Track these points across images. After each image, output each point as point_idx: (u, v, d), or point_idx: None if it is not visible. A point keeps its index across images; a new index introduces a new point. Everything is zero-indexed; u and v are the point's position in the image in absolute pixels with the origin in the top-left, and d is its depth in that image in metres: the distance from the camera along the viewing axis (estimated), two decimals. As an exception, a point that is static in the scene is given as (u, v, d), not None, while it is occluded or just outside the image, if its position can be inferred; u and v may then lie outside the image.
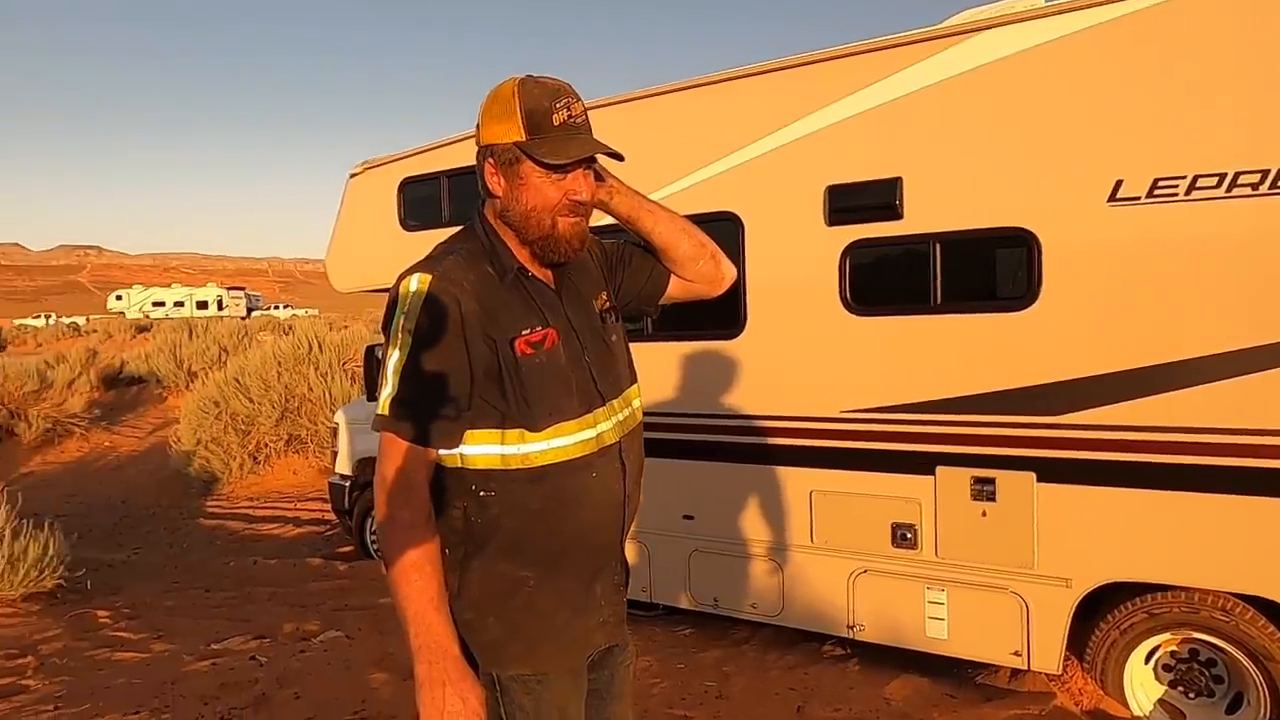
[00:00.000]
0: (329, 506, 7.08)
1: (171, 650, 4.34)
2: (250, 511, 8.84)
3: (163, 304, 55.03)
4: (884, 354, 3.84)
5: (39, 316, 58.01)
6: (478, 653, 1.55)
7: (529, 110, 1.56)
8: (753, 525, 4.25)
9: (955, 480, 3.65)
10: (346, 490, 6.33)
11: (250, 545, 7.55)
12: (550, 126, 1.57)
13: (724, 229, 4.22)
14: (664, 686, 3.80)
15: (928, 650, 3.78)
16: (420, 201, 5.44)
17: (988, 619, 3.61)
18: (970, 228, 3.60)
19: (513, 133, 1.56)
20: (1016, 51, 3.47)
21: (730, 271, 1.98)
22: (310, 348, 10.66)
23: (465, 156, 5.22)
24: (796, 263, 4.05)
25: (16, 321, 52.29)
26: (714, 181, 4.28)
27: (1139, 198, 3.24)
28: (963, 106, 3.60)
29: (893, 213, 3.77)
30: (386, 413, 1.49)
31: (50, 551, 5.26)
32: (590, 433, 1.62)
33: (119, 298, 60.59)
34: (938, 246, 3.68)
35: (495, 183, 1.62)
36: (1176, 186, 3.17)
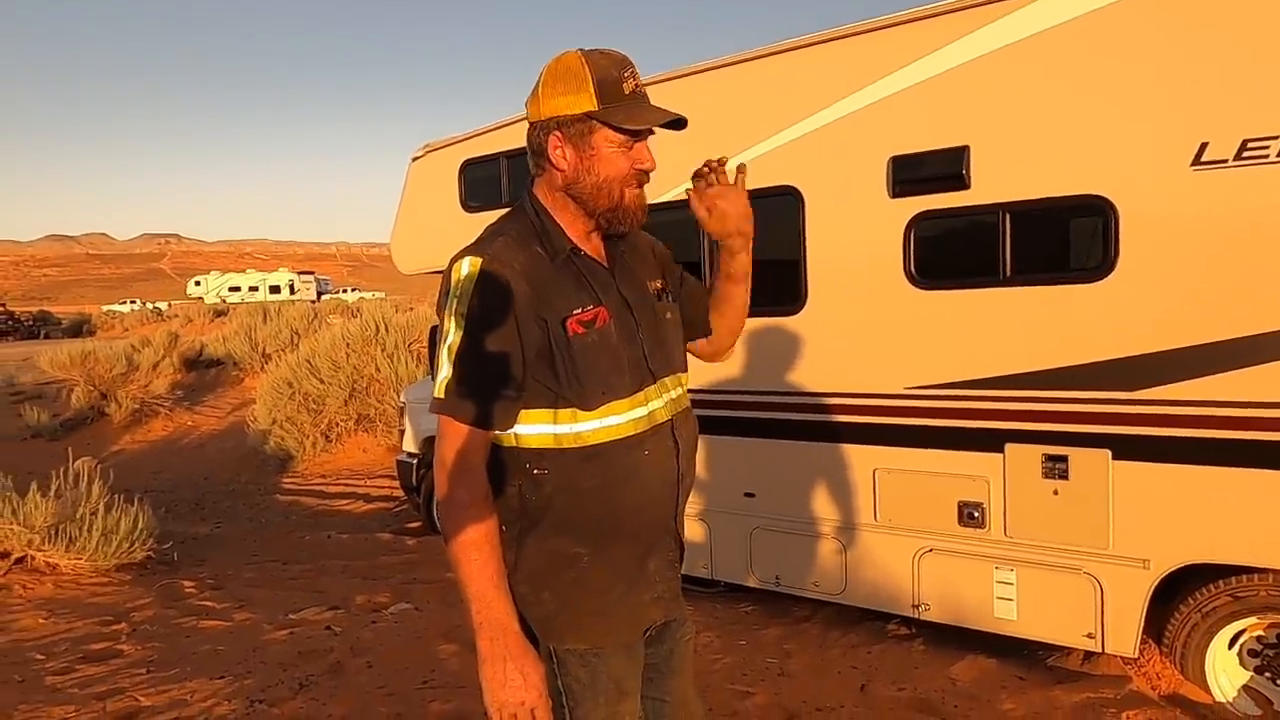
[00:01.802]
0: (398, 484, 7.28)
1: (252, 619, 4.54)
2: (323, 488, 9.15)
3: (238, 289, 57.06)
4: (950, 328, 3.73)
5: (125, 302, 60.85)
6: (535, 626, 1.57)
7: (600, 79, 1.56)
8: (815, 503, 4.21)
9: (1025, 458, 3.55)
10: (414, 468, 6.49)
11: (324, 520, 7.83)
12: (622, 95, 1.58)
13: (784, 203, 4.16)
14: (726, 662, 3.81)
15: (995, 631, 3.69)
16: (481, 182, 5.50)
17: (1059, 600, 3.52)
18: (1042, 196, 3.46)
19: (584, 103, 1.57)
20: (1090, 10, 3.30)
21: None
22: (377, 329, 10.93)
23: (523, 138, 5.26)
24: (859, 236, 3.97)
25: (104, 308, 54.97)
26: (773, 155, 4.21)
27: (1226, 160, 3.06)
28: (1033, 70, 3.46)
29: (960, 182, 3.65)
30: (443, 396, 1.51)
31: (140, 525, 5.54)
32: (642, 410, 1.63)
33: (197, 283, 63.07)
34: (1007, 216, 3.55)
35: (560, 156, 1.62)
36: (1268, 148, 2.99)
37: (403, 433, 6.78)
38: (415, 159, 5.89)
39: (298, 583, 5.37)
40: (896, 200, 3.83)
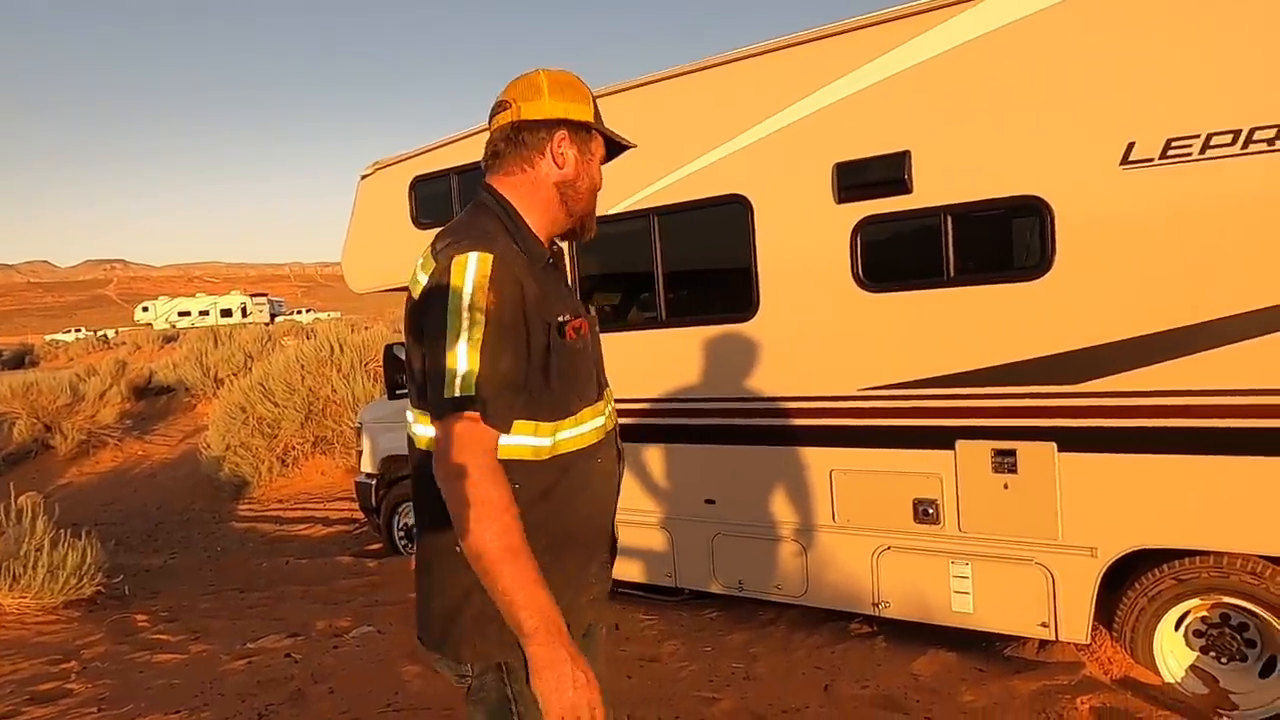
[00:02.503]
0: (357, 505, 7.17)
1: (209, 650, 4.43)
2: (281, 513, 8.97)
3: (188, 313, 55.81)
4: (899, 330, 3.81)
5: (69, 331, 59.08)
6: (485, 644, 1.54)
7: (591, 99, 1.71)
8: (775, 507, 4.25)
9: (975, 454, 3.63)
10: (373, 488, 6.40)
11: (282, 546, 7.67)
12: (600, 117, 1.73)
13: (733, 212, 4.22)
14: (692, 670, 3.82)
15: (954, 625, 3.77)
16: (432, 199, 5.48)
17: (1013, 591, 3.60)
18: (981, 198, 3.56)
19: (585, 113, 1.68)
20: (1021, 16, 3.42)
21: None
22: (332, 350, 10.77)
23: (474, 153, 5.24)
24: (807, 242, 4.03)
25: (48, 337, 53.29)
26: (720, 165, 4.27)
27: (1152, 159, 3.19)
28: (968, 75, 3.56)
29: (902, 187, 3.74)
30: (471, 392, 1.41)
31: (89, 559, 5.38)
32: (601, 419, 1.68)
33: (145, 309, 61.53)
34: (949, 219, 3.64)
35: (563, 154, 1.66)
36: (1190, 146, 3.12)
37: (360, 453, 6.69)
38: (364, 176, 5.85)
39: (256, 611, 5.26)
40: (842, 206, 3.91)
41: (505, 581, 1.39)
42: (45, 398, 13.68)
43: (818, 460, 4.09)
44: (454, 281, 1.46)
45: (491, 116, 1.71)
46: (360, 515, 7.40)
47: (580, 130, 1.67)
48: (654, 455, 4.65)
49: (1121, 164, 3.24)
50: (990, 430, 3.60)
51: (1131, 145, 3.22)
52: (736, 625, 4.37)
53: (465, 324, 1.43)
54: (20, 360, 36.12)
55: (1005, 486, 3.57)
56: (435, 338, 1.46)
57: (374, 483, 6.43)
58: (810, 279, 4.04)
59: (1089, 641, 3.51)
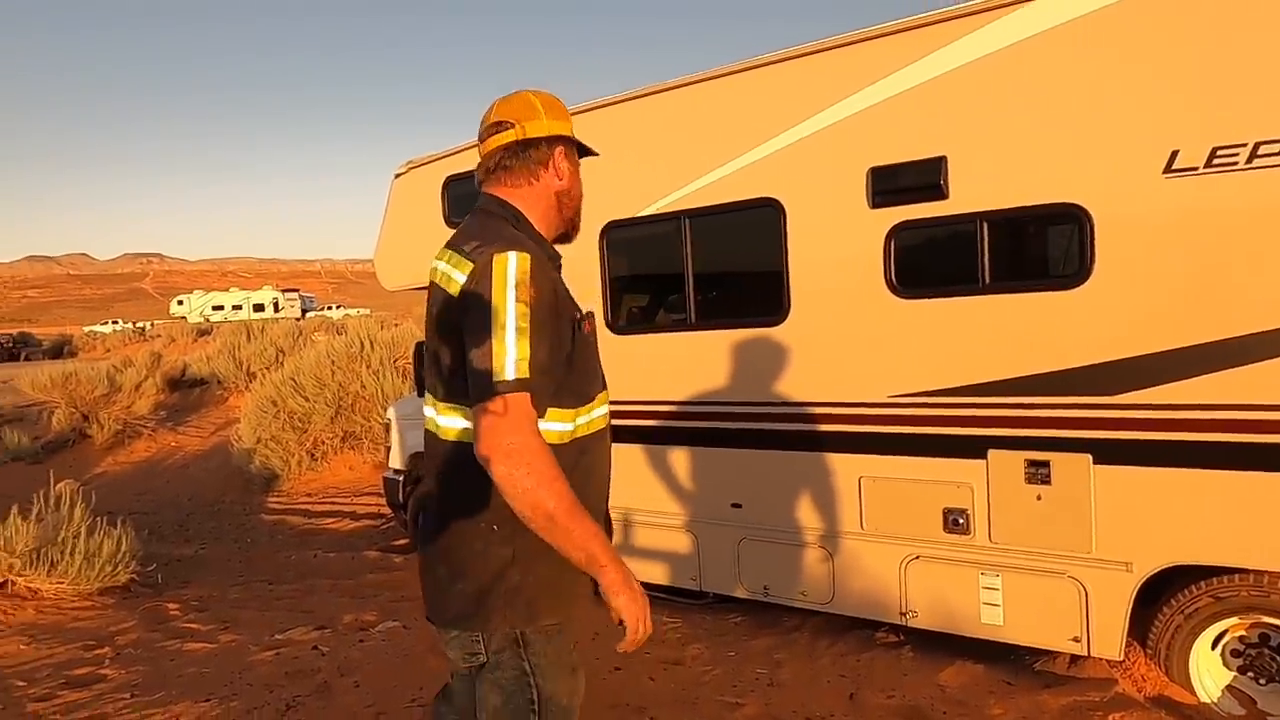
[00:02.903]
0: (384, 501, 7.24)
1: (238, 641, 4.49)
2: (309, 507, 9.08)
3: (221, 308, 56.70)
4: (931, 337, 3.77)
5: (107, 323, 60.31)
6: (514, 615, 1.71)
7: (570, 116, 1.91)
8: (802, 513, 4.22)
9: (1008, 464, 3.58)
10: (400, 484, 6.46)
11: (310, 539, 7.76)
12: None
13: (765, 215, 4.20)
14: (715, 674, 3.81)
15: (983, 637, 3.72)
16: (464, 198, 5.51)
17: (1045, 604, 3.54)
18: (1018, 205, 3.51)
19: (571, 130, 1.89)
20: (1062, 22, 3.37)
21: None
22: (362, 346, 10.88)
23: (506, 152, 5.28)
24: (840, 247, 4.01)
25: (86, 328, 54.45)
26: (754, 168, 4.25)
27: (1196, 168, 3.12)
28: (1007, 81, 3.52)
29: (938, 193, 3.70)
30: (526, 375, 1.57)
31: (123, 547, 5.48)
32: (605, 408, 1.90)
33: (180, 303, 62.60)
34: (984, 225, 3.60)
35: (563, 167, 1.87)
36: (1236, 155, 3.05)
37: (389, 449, 6.75)
38: (398, 175, 5.90)
39: (284, 603, 5.33)
40: (876, 210, 3.87)
41: (578, 533, 1.59)
42: (83, 388, 13.97)
43: (846, 467, 4.06)
44: (496, 279, 1.61)
45: (488, 134, 1.87)
46: (387, 510, 7.47)
47: (571, 145, 1.90)
48: (680, 458, 4.64)
49: (1165, 172, 3.18)
50: (1024, 440, 3.55)
51: (1175, 153, 3.16)
52: (761, 630, 4.35)
53: (512, 316, 1.60)
54: (59, 350, 36.96)
55: (1038, 498, 3.51)
56: (483, 330, 1.60)
57: (402, 478, 6.49)
58: (842, 284, 4.01)
59: (1122, 658, 3.45)
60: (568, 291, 1.80)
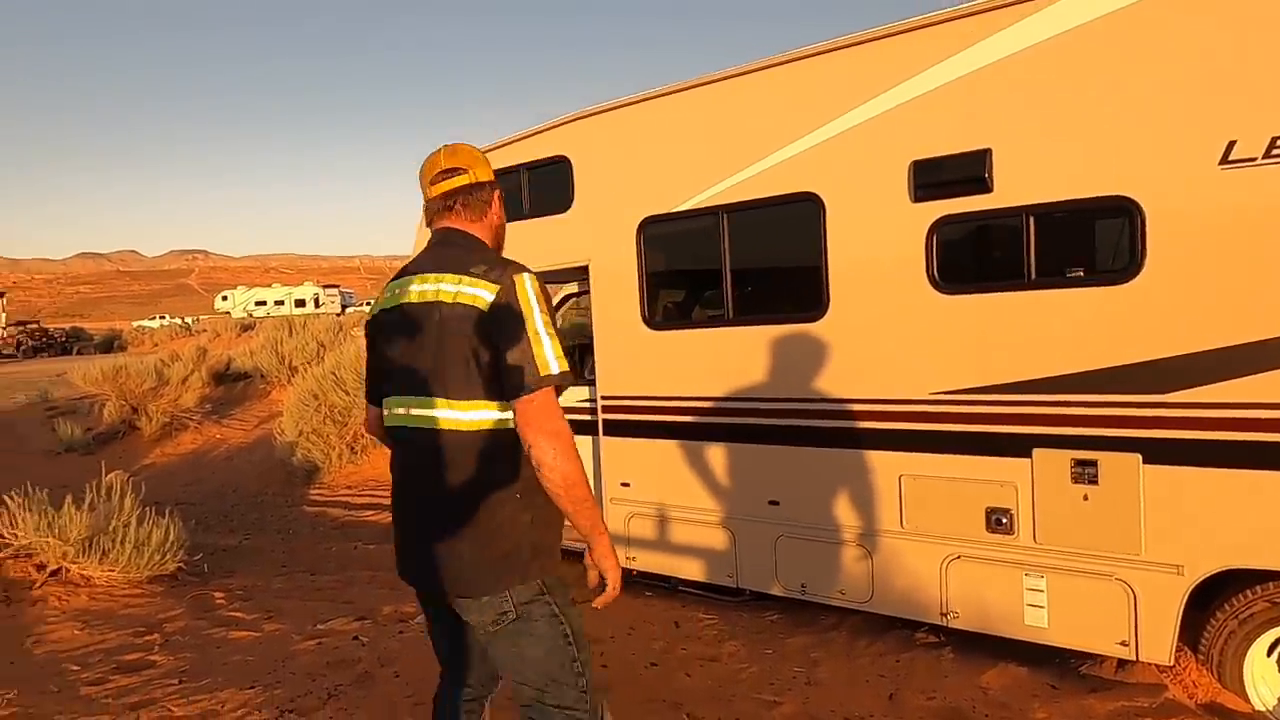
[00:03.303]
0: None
1: (281, 630, 4.58)
2: (349, 499, 9.22)
3: (264, 303, 57.75)
4: (975, 333, 3.71)
5: (154, 318, 61.83)
6: (539, 567, 2.04)
7: None
8: (840, 510, 4.18)
9: (1054, 463, 3.51)
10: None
11: (350, 531, 7.88)
12: None
13: (804, 210, 4.16)
14: (752, 671, 3.79)
15: (1026, 639, 3.65)
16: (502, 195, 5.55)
17: (1091, 607, 3.46)
18: (1066, 198, 3.43)
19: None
20: (1113, 10, 3.28)
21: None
22: (401, 341, 10.99)
23: (543, 149, 5.30)
24: (881, 241, 3.95)
25: (135, 323, 55.90)
26: (792, 162, 4.21)
27: (1255, 159, 3.02)
28: (1055, 71, 3.44)
29: (982, 186, 3.63)
30: (563, 370, 1.93)
31: (171, 537, 5.62)
32: None
33: (224, 298, 63.90)
34: (1031, 219, 3.52)
35: (499, 206, 2.23)
36: (1298, 145, 2.94)
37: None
38: (437, 172, 5.95)
39: (325, 593, 5.42)
40: (918, 205, 3.81)
41: (588, 505, 1.95)
42: (133, 381, 14.32)
43: (886, 464, 4.01)
44: (522, 294, 1.95)
45: (441, 178, 2.17)
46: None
47: (499, 188, 2.24)
48: (717, 454, 4.63)
49: (1221, 163, 3.08)
50: (1070, 439, 3.47)
51: (1232, 144, 3.06)
52: (798, 629, 4.31)
53: (541, 324, 1.94)
54: (110, 345, 38.00)
55: (1085, 498, 3.43)
56: (522, 337, 1.92)
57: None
58: (883, 279, 3.96)
59: (1172, 663, 3.36)
60: None
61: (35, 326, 42.30)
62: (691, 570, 4.81)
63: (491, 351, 1.94)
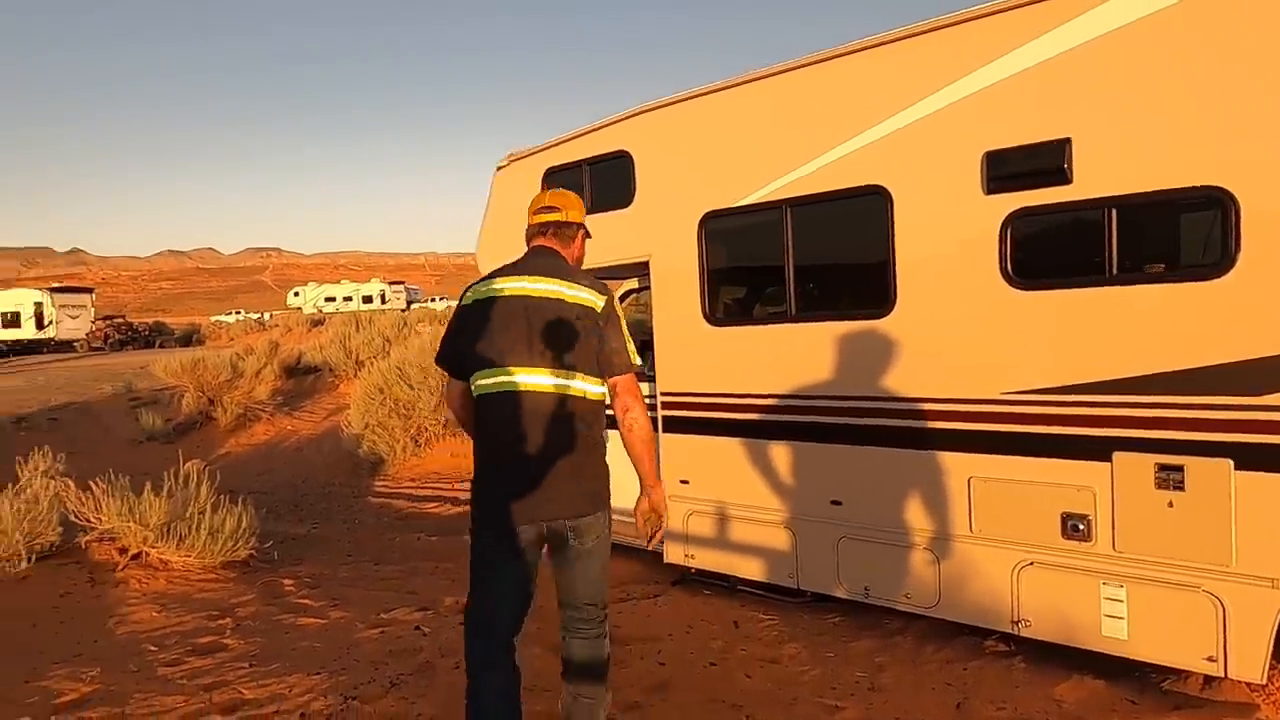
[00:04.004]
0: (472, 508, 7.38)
1: (347, 618, 4.68)
2: (413, 491, 9.40)
3: (333, 299, 59.40)
4: (1051, 330, 3.56)
5: (230, 313, 64.19)
6: (606, 495, 2.78)
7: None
8: (906, 513, 4.07)
9: (1136, 467, 3.34)
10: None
11: (414, 522, 8.03)
12: None
13: (871, 204, 4.06)
14: (814, 675, 3.71)
15: (1104, 651, 3.49)
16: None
17: (1176, 620, 3.29)
18: (1152, 189, 3.26)
19: (584, 219, 3.04)
20: (1208, -12, 3.10)
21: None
22: (464, 336, 11.15)
23: (604, 144, 5.29)
24: (951, 236, 3.83)
25: (212, 318, 58.13)
26: (859, 155, 4.11)
27: (1364, 145, 2.82)
28: (1142, 55, 3.27)
29: (1061, 177, 3.48)
30: (639, 362, 2.80)
31: (243, 525, 5.80)
32: None
33: (296, 294, 65.96)
34: (1113, 212, 3.36)
35: (580, 243, 3.01)
36: None
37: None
38: (500, 169, 6.00)
39: (389, 583, 5.52)
40: (992, 197, 3.68)
41: (652, 455, 2.80)
42: (210, 373, 14.87)
43: (955, 466, 3.88)
44: (617, 304, 2.77)
45: (541, 211, 2.94)
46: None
47: (584, 232, 3.01)
48: (778, 452, 4.55)
49: (1326, 150, 2.88)
50: (1154, 443, 3.30)
51: (1339, 129, 2.86)
52: (861, 632, 4.21)
53: (625, 326, 2.78)
54: (189, 339, 39.57)
55: (1170, 505, 3.26)
56: (621, 333, 2.76)
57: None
58: (953, 275, 3.83)
59: (1265, 682, 3.17)
60: None
61: (121, 320, 44.30)
62: (751, 570, 4.75)
63: (599, 340, 2.69)
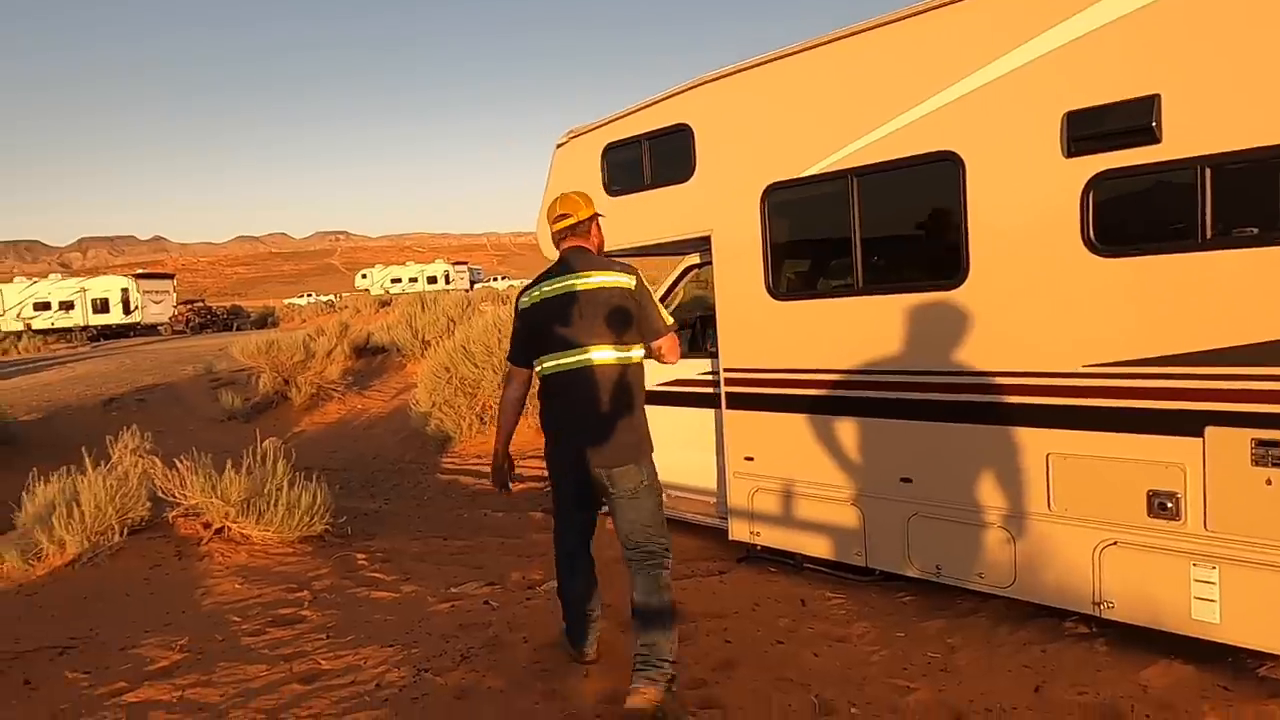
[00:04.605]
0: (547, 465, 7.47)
1: (418, 592, 4.79)
2: (479, 468, 9.56)
3: (399, 280, 60.68)
4: (1137, 299, 3.38)
5: (302, 296, 66.19)
6: (650, 451, 3.35)
7: (591, 201, 3.58)
8: (980, 490, 3.94)
9: (1230, 443, 3.16)
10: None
11: (480, 499, 8.18)
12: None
13: (942, 170, 3.91)
14: (883, 655, 3.65)
15: (1193, 635, 3.33)
16: (623, 166, 5.52)
17: (1273, 603, 3.12)
18: (1252, 146, 3.05)
19: (594, 211, 3.53)
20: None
21: None
22: (526, 315, 11.25)
23: (664, 118, 5.22)
24: (1028, 202, 3.66)
25: (286, 301, 60.05)
26: (929, 120, 3.95)
27: None
28: (1236, 3, 3.04)
29: (1148, 136, 3.28)
30: (673, 321, 3.39)
31: (318, 501, 5.98)
32: None
33: (364, 276, 67.59)
34: (1207, 172, 3.15)
35: (598, 231, 3.54)
36: None
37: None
38: (559, 145, 5.98)
39: (458, 558, 5.63)
40: (1073, 160, 3.50)
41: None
42: (284, 355, 15.38)
43: (1032, 442, 3.74)
44: (644, 281, 3.31)
45: (556, 220, 3.47)
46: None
47: (598, 217, 3.50)
48: (845, 428, 4.46)
49: None
50: (1251, 417, 3.11)
51: None
52: (933, 612, 4.12)
53: (656, 297, 3.36)
54: (264, 321, 40.97)
55: (1268, 482, 3.08)
56: (654, 303, 3.33)
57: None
58: (1030, 242, 3.67)
59: (1373, 670, 2.98)
60: None
61: (200, 305, 46.09)
62: (818, 547, 4.68)
63: (638, 311, 3.27)
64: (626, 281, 3.24)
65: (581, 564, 3.53)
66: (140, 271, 48.26)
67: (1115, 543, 3.52)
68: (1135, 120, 3.32)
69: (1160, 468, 3.37)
